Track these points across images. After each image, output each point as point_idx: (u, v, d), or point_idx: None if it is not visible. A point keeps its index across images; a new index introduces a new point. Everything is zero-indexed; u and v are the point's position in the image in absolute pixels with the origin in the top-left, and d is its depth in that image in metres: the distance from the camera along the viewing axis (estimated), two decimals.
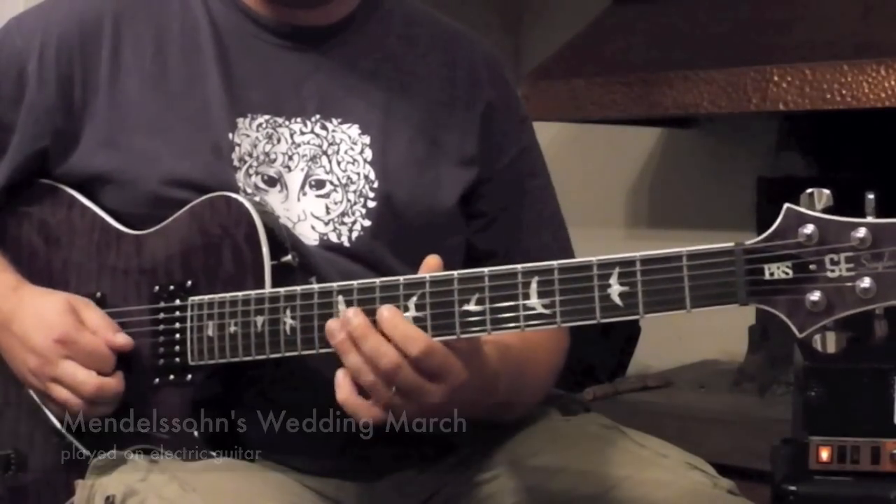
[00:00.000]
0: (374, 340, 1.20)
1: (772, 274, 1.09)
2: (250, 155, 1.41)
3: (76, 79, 1.42)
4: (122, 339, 1.37)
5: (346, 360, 1.22)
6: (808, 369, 1.86)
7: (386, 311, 1.21)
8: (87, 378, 1.35)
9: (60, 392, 1.36)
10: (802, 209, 1.08)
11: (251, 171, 1.41)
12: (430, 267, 1.23)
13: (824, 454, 1.83)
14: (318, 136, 1.43)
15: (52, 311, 1.37)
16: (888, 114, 2.08)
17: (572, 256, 1.53)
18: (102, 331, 1.37)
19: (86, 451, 1.39)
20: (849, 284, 1.06)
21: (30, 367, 1.38)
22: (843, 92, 2.07)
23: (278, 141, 1.42)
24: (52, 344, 1.35)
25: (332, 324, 1.23)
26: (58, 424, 1.41)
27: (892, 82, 2.02)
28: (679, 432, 1.91)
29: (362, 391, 1.23)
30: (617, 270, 1.14)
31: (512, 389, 1.36)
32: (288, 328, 1.28)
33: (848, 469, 1.82)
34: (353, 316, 1.22)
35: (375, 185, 1.43)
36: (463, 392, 1.24)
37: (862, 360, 1.83)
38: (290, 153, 1.42)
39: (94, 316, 1.38)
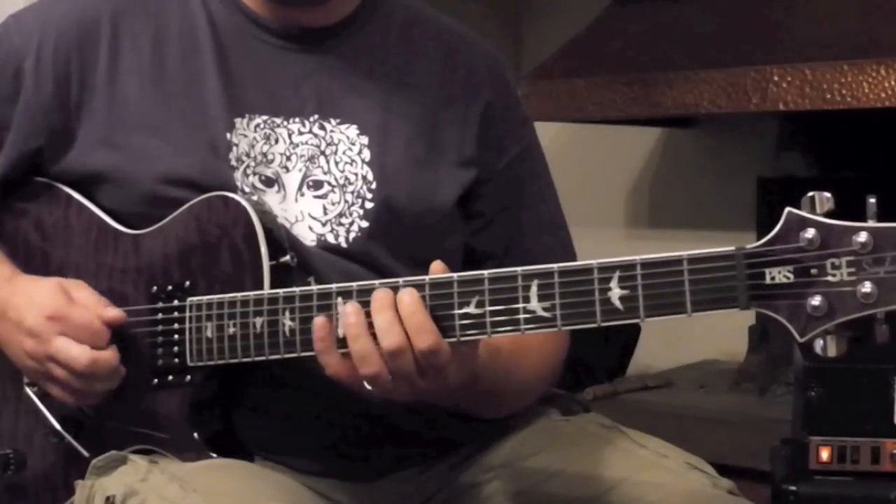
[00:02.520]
0: (389, 315, 1.19)
1: (773, 278, 1.08)
2: (248, 155, 1.41)
3: (73, 78, 1.42)
4: (114, 313, 1.37)
5: (355, 344, 1.20)
6: (808, 369, 1.86)
7: (407, 296, 1.20)
8: (81, 352, 1.34)
9: (58, 371, 1.36)
10: (804, 213, 1.08)
11: (249, 172, 1.40)
12: (435, 272, 1.23)
13: (824, 454, 1.83)
14: (316, 136, 1.43)
15: (43, 292, 1.37)
16: (888, 114, 2.08)
17: (573, 258, 1.53)
18: (93, 306, 1.37)
19: (85, 452, 1.39)
20: (850, 289, 1.06)
21: (26, 349, 1.37)
22: (843, 92, 2.07)
23: (276, 141, 1.42)
24: (45, 321, 1.35)
25: (350, 306, 1.21)
26: (57, 424, 1.41)
27: (892, 82, 2.02)
28: (679, 432, 1.91)
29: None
30: (617, 274, 1.14)
31: (492, 391, 1.35)
32: (287, 329, 1.28)
33: (848, 469, 1.82)
34: (380, 294, 1.20)
35: (373, 185, 1.42)
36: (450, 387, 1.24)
37: (862, 361, 1.83)
38: (287, 153, 1.42)
39: (84, 293, 1.38)
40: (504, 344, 1.34)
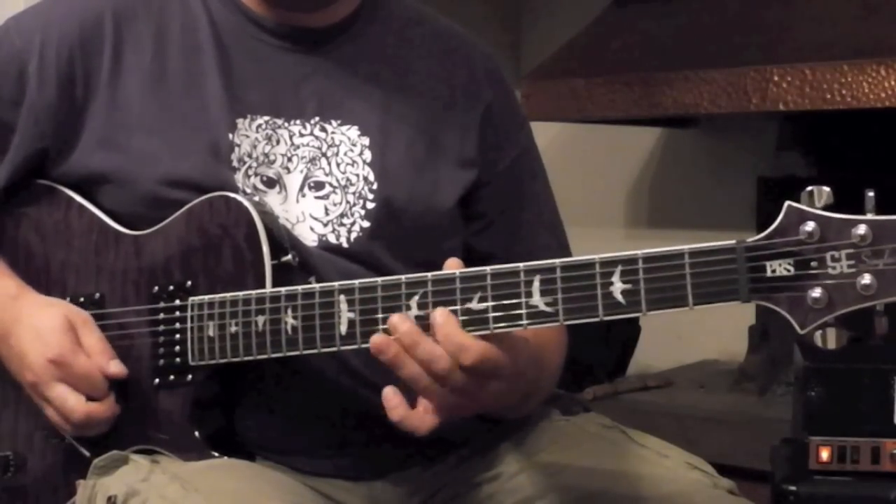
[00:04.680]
0: (427, 346, 1.19)
1: (773, 271, 1.09)
2: (250, 156, 1.41)
3: (78, 79, 1.42)
4: (116, 368, 1.36)
5: (402, 372, 1.20)
6: (808, 369, 1.86)
7: (440, 318, 1.19)
8: (76, 405, 1.34)
9: (52, 414, 1.37)
10: (803, 206, 1.09)
11: (250, 172, 1.41)
12: (451, 269, 1.23)
13: (824, 454, 1.83)
14: (317, 138, 1.43)
15: (49, 328, 1.37)
16: (888, 114, 2.08)
17: (571, 257, 1.53)
18: (97, 357, 1.36)
19: (86, 453, 1.39)
20: (850, 281, 1.07)
21: (26, 381, 1.38)
22: (843, 92, 2.07)
23: (277, 142, 1.42)
24: (46, 363, 1.35)
25: (378, 339, 1.20)
26: None
27: (892, 82, 2.02)
28: (679, 432, 1.92)
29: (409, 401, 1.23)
30: (619, 268, 1.14)
31: (531, 382, 1.36)
32: (289, 328, 1.28)
33: (848, 469, 1.82)
34: (401, 323, 1.20)
35: (374, 186, 1.42)
36: (504, 384, 1.24)
37: (862, 360, 1.83)
38: (288, 155, 1.42)
39: (91, 339, 1.37)
40: (528, 335, 1.34)
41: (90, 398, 1.35)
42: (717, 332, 2.65)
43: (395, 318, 1.20)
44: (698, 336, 2.77)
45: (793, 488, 1.80)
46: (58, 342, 1.36)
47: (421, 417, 1.22)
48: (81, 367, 1.35)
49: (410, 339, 1.19)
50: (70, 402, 1.34)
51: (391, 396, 1.22)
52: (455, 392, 1.20)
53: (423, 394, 1.21)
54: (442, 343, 1.19)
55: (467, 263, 1.47)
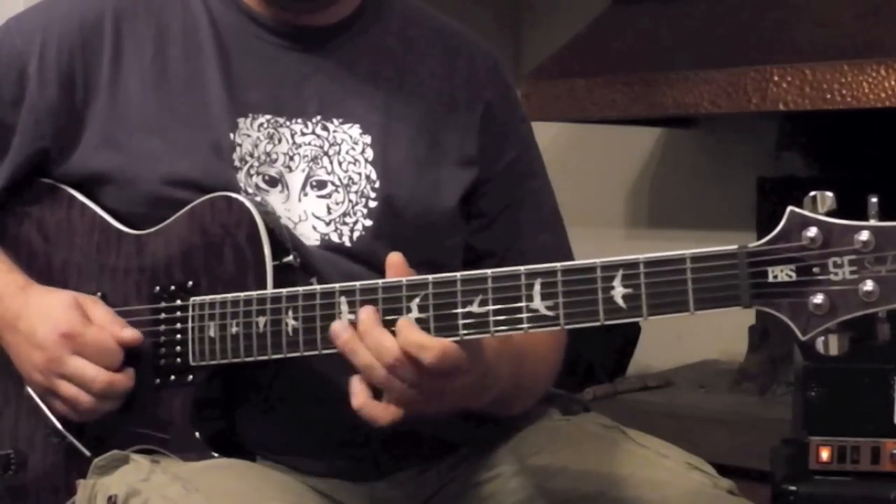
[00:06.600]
0: (376, 334, 1.20)
1: (775, 276, 1.09)
2: (251, 155, 1.41)
3: (78, 79, 1.42)
4: (130, 334, 1.37)
5: (355, 358, 1.21)
6: (808, 369, 1.87)
7: (401, 323, 1.20)
8: (98, 374, 1.34)
9: (68, 389, 1.36)
10: (806, 212, 1.08)
11: (252, 172, 1.41)
12: (394, 263, 1.23)
13: (824, 454, 1.83)
14: (319, 136, 1.43)
15: (58, 306, 1.37)
16: (888, 114, 2.08)
17: (571, 256, 1.53)
18: (109, 326, 1.36)
19: (87, 452, 1.39)
20: (852, 287, 1.06)
21: (35, 363, 1.37)
22: (843, 92, 2.07)
23: (279, 141, 1.42)
24: (58, 338, 1.35)
25: (336, 324, 1.22)
26: (58, 424, 1.41)
27: (892, 82, 2.03)
28: (679, 432, 1.91)
29: (376, 394, 1.23)
30: (620, 272, 1.14)
31: (513, 379, 1.36)
32: (290, 329, 1.28)
33: (848, 469, 1.82)
34: (363, 311, 1.21)
35: (377, 185, 1.43)
36: (469, 381, 1.24)
37: (862, 361, 1.83)
38: (290, 153, 1.42)
39: (100, 312, 1.38)
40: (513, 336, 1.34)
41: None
42: (717, 332, 2.65)
43: (361, 311, 1.22)
44: (698, 336, 2.77)
45: (793, 488, 1.80)
46: (67, 317, 1.36)
47: (383, 408, 1.22)
48: (94, 336, 1.35)
49: (364, 326, 1.21)
50: (90, 372, 1.34)
51: (355, 383, 1.23)
52: (415, 388, 1.21)
53: (380, 385, 1.22)
54: (402, 345, 1.19)
55: (466, 261, 1.48)
